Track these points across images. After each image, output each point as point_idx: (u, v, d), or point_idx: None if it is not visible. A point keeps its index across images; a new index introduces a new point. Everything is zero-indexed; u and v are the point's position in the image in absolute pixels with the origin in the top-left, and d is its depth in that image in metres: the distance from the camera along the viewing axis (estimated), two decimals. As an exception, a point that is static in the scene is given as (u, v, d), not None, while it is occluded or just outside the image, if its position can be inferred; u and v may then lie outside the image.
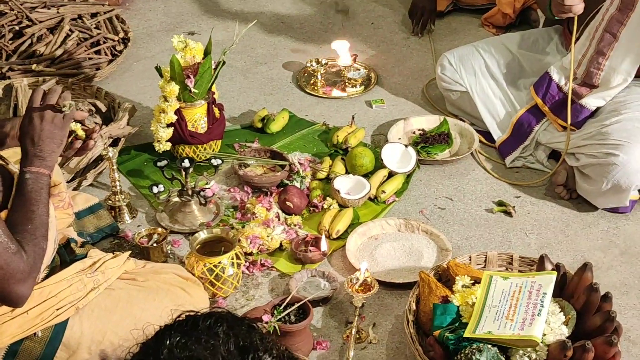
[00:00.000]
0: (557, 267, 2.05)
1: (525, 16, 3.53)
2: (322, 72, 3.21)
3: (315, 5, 3.81)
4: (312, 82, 3.22)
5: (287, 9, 3.80)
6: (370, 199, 2.61)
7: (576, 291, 1.98)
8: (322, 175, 2.68)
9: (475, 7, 3.68)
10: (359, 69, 3.23)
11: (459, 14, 3.72)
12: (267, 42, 3.53)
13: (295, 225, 2.48)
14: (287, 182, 2.62)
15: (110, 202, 2.53)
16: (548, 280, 1.97)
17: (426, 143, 2.81)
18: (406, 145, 2.76)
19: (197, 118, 2.69)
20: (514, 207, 2.57)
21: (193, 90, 2.61)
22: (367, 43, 3.51)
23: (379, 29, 3.64)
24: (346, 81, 3.18)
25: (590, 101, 2.59)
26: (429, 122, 2.93)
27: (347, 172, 2.69)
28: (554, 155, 2.73)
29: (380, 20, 3.70)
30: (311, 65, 3.24)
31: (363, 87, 3.19)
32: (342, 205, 2.56)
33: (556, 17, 2.55)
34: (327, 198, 2.59)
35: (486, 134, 2.87)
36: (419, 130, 2.91)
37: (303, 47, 3.48)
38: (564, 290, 2.02)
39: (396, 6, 3.78)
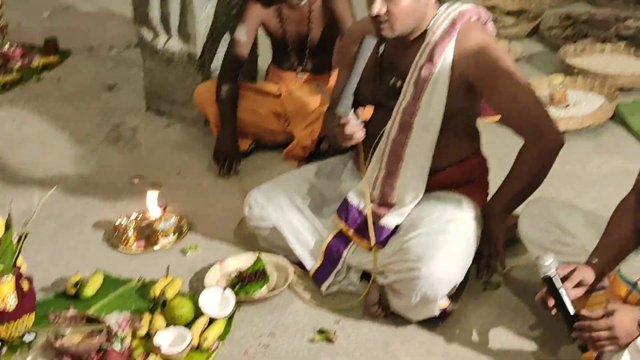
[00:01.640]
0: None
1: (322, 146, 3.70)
2: (133, 227, 3.22)
3: (121, 163, 3.84)
4: (124, 239, 3.21)
5: (91, 168, 3.80)
6: (194, 348, 2.59)
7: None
8: (142, 332, 2.65)
9: (276, 143, 3.83)
10: (169, 219, 3.26)
11: (261, 151, 3.85)
12: (75, 204, 3.51)
13: (119, 389, 2.42)
14: (106, 346, 2.57)
15: None
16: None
17: (243, 282, 2.85)
18: (224, 288, 2.78)
19: (5, 295, 2.61)
20: (334, 332, 2.63)
21: (-4, 268, 2.54)
22: (176, 191, 3.55)
23: (186, 176, 3.70)
24: (158, 233, 3.20)
25: (390, 220, 2.73)
26: (244, 261, 2.98)
27: (168, 325, 2.67)
28: (367, 275, 2.83)
29: (187, 167, 3.77)
30: (121, 222, 3.24)
31: (176, 236, 3.22)
32: (166, 360, 2.53)
33: (342, 146, 2.70)
34: (150, 355, 2.55)
35: (301, 265, 2.94)
36: (236, 270, 2.95)
37: (112, 204, 3.48)
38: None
39: (201, 151, 3.87)
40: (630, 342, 2.14)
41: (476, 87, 2.62)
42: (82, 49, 5.20)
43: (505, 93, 2.59)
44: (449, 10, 2.63)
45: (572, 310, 2.23)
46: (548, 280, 2.25)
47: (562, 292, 2.24)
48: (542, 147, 2.63)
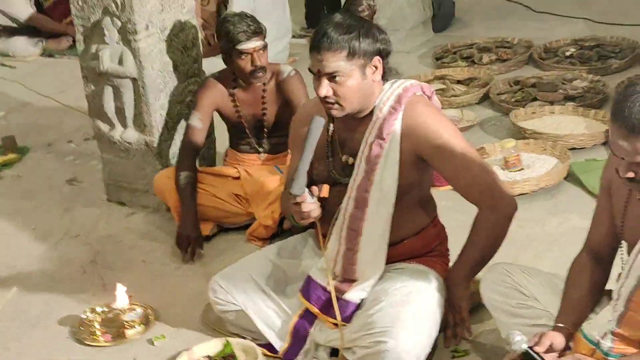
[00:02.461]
0: None
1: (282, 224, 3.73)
2: (99, 321, 3.20)
3: (84, 256, 3.83)
4: (90, 333, 3.18)
5: (54, 263, 3.79)
6: None
7: None
8: None
9: (239, 225, 3.86)
10: (134, 309, 3.25)
11: (224, 234, 3.87)
12: (39, 301, 3.48)
13: None
14: None
15: None
16: None
17: (212, 369, 2.84)
18: (193, 376, 2.77)
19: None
20: (306, 412, 2.62)
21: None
22: (141, 281, 3.54)
23: (151, 264, 3.70)
24: (125, 325, 3.18)
25: (353, 295, 2.75)
26: (212, 347, 2.97)
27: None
28: (336, 352, 2.84)
29: (151, 256, 3.77)
30: (87, 316, 3.23)
31: (143, 326, 3.20)
32: None
33: (300, 224, 2.73)
34: None
35: (269, 346, 2.94)
36: (204, 357, 2.94)
37: (77, 298, 3.46)
38: None
39: (164, 238, 3.88)
40: None
41: (426, 160, 2.69)
42: (41, 145, 5.22)
43: (455, 164, 2.66)
44: (393, 87, 2.70)
45: None
46: (526, 354, 2.29)
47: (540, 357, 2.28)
48: (496, 214, 2.69)
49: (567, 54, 5.76)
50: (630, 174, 2.15)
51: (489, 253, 2.76)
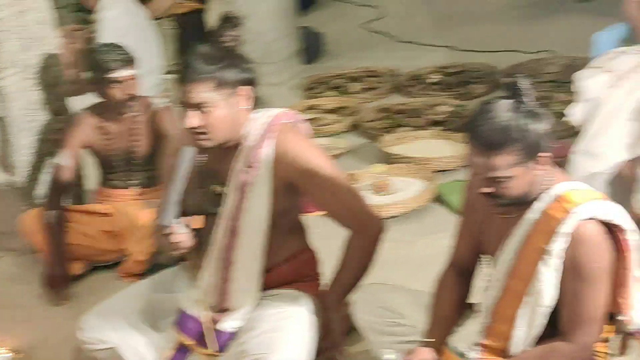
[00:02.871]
0: None
1: (158, 259, 3.68)
2: (-36, 369, 3.08)
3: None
4: (-45, 382, 3.06)
5: None
6: None
7: None
8: None
9: (110, 262, 3.78)
10: (4, 355, 3.13)
11: (96, 272, 3.80)
12: None
13: None
14: None
15: None
16: None
17: (86, 410, 2.76)
18: (65, 419, 2.69)
19: None
20: None
21: None
22: (9, 325, 3.42)
23: (19, 308, 3.59)
24: (-8, 371, 3.08)
25: (227, 325, 2.73)
26: (85, 387, 2.89)
27: None
28: (212, 384, 2.81)
29: (19, 299, 3.65)
30: (-49, 365, 3.10)
31: (12, 371, 3.10)
32: None
33: (172, 255, 2.71)
34: None
35: (145, 383, 2.88)
36: (77, 399, 2.86)
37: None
38: None
39: (33, 282, 3.76)
40: None
41: (296, 187, 2.72)
42: None
43: (324, 191, 2.70)
44: (262, 116, 2.73)
45: None
46: None
47: None
48: (365, 237, 2.74)
49: (431, 81, 5.96)
50: (487, 189, 2.24)
51: (360, 275, 2.80)
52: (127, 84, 3.63)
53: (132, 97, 3.66)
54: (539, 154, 2.21)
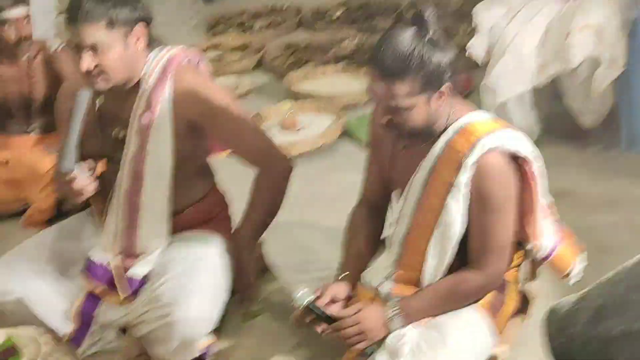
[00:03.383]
0: None
1: (62, 206, 3.58)
2: None
3: None
4: None
5: None
6: None
7: None
8: None
9: (12, 212, 3.66)
10: None
11: (-2, 222, 3.68)
12: None
13: None
14: None
15: None
16: None
17: (-6, 365, 2.69)
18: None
19: None
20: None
21: None
22: None
23: None
24: None
25: (137, 270, 2.69)
26: (-8, 341, 2.81)
27: None
28: (125, 330, 2.77)
29: None
30: None
31: None
32: None
33: (74, 202, 2.63)
34: None
35: (55, 333, 2.82)
36: (-16, 353, 2.78)
37: None
38: None
39: None
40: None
41: (199, 128, 2.66)
42: None
43: (228, 130, 2.66)
44: (159, 56, 2.64)
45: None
46: (308, 310, 2.34)
47: (321, 313, 2.34)
48: (273, 175, 2.72)
49: (335, 16, 5.92)
50: (385, 119, 2.22)
51: (270, 214, 2.78)
52: (19, 24, 3.48)
53: (25, 38, 3.50)
54: (441, 85, 2.21)
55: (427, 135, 2.29)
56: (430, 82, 2.18)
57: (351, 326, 2.29)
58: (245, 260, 2.77)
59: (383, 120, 2.24)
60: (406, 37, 2.17)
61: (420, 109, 2.21)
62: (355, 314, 2.30)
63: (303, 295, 2.35)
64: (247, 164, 2.75)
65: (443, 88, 2.21)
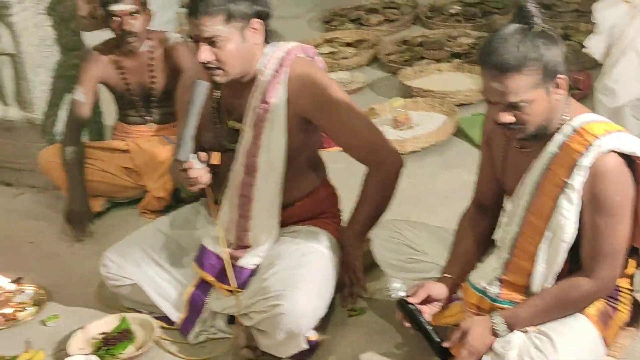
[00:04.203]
0: None
1: (178, 196, 3.68)
2: (-13, 305, 3.11)
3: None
4: (-21, 317, 3.10)
5: None
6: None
7: None
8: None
9: (131, 198, 3.79)
10: (24, 291, 3.16)
11: (116, 209, 3.80)
12: None
13: None
14: None
15: None
16: None
17: (108, 345, 2.79)
18: (87, 354, 2.72)
19: None
20: (206, 383, 2.62)
21: None
22: (31, 262, 3.45)
23: (40, 244, 3.61)
24: (15, 307, 3.10)
25: (247, 261, 2.74)
26: (108, 323, 2.92)
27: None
28: (234, 319, 2.82)
29: (40, 236, 3.67)
30: (-25, 301, 3.13)
31: (35, 307, 3.12)
32: None
33: (190, 191, 2.70)
34: None
35: (166, 319, 2.91)
36: (100, 334, 2.88)
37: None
38: None
39: (53, 218, 3.77)
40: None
41: (312, 121, 2.68)
42: None
43: (341, 123, 2.67)
44: (275, 50, 2.68)
45: (427, 326, 2.33)
46: (400, 304, 2.34)
47: (413, 310, 2.33)
48: (383, 171, 2.72)
49: (452, 11, 5.85)
50: (507, 117, 2.19)
51: (380, 210, 2.78)
52: (124, 18, 3.58)
53: (130, 32, 3.61)
54: (557, 76, 2.16)
55: (544, 134, 2.24)
56: (547, 73, 2.13)
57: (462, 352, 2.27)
58: (353, 256, 2.78)
59: (501, 120, 2.19)
60: (514, 32, 2.14)
61: (540, 102, 2.16)
62: (460, 337, 2.28)
63: (399, 287, 2.34)
64: (358, 158, 2.76)
65: (559, 79, 2.16)
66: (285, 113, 2.65)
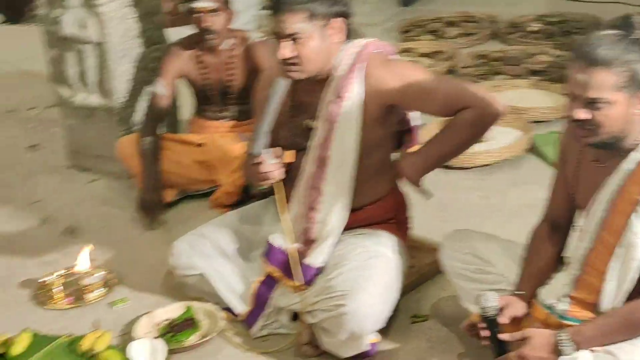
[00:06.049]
0: None
1: (248, 192, 3.72)
2: (59, 284, 3.19)
3: (43, 221, 3.82)
4: (51, 296, 3.17)
5: (14, 229, 3.77)
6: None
7: None
8: (72, 388, 2.62)
9: (202, 191, 3.85)
10: (96, 273, 3.23)
11: (188, 200, 3.87)
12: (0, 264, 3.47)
13: None
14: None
15: None
16: None
17: (173, 332, 2.84)
18: (154, 338, 2.77)
19: None
20: (266, 376, 2.64)
21: None
22: (102, 246, 3.52)
23: (113, 230, 3.69)
24: (86, 288, 3.17)
25: (314, 259, 2.76)
26: (173, 311, 2.98)
27: (98, 380, 2.65)
28: (298, 316, 2.85)
29: (113, 222, 3.76)
30: (47, 279, 3.21)
31: (104, 290, 3.19)
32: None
33: (260, 186, 2.73)
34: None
35: (230, 311, 2.94)
36: (165, 320, 2.94)
37: (37, 263, 3.45)
38: None
39: (127, 206, 3.85)
40: None
41: (401, 103, 2.68)
42: (2, 111, 5.16)
43: (425, 90, 2.63)
44: (351, 46, 2.70)
45: (504, 349, 2.32)
46: (488, 320, 2.34)
47: (496, 332, 2.33)
48: (482, 111, 2.61)
49: (532, 29, 5.81)
50: (584, 114, 2.16)
51: (455, 150, 2.72)
52: (204, 16, 3.65)
53: (209, 30, 3.67)
54: None
55: (617, 147, 2.22)
56: (633, 82, 2.12)
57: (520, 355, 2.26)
58: (408, 174, 2.72)
59: (581, 116, 2.17)
60: (613, 34, 2.14)
61: (619, 108, 2.14)
62: (523, 339, 2.26)
63: (491, 306, 2.33)
64: (461, 109, 2.62)
65: None
66: (360, 108, 2.65)
